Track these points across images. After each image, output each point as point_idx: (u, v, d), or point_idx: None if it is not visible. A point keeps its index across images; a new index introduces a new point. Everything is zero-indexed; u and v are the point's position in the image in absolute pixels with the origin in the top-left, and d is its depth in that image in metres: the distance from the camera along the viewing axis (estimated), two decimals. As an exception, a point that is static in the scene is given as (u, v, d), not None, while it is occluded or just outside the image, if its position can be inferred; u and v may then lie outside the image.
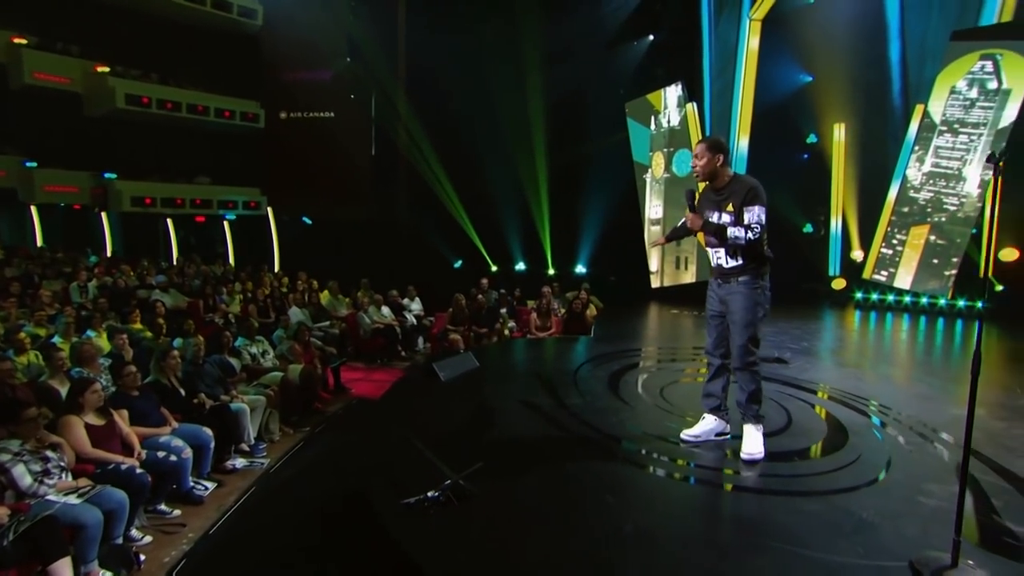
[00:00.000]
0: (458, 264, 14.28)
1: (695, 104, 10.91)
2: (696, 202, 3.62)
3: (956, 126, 9.73)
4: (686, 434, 3.73)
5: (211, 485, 4.90)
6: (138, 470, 4.13)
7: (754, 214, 3.29)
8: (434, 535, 2.49)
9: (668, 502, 2.95)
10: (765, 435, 3.46)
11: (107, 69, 14.26)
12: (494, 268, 13.65)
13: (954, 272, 9.73)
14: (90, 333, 6.80)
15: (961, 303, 9.79)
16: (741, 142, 11.48)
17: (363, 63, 16.11)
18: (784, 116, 12.58)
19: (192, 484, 4.72)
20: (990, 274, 3.19)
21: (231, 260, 15.99)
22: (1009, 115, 9.32)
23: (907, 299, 10.30)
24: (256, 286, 11.91)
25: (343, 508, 2.95)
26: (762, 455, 3.39)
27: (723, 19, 12.25)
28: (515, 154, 13.01)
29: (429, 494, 2.55)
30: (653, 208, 11.39)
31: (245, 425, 5.63)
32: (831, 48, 12.36)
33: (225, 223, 16.30)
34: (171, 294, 10.35)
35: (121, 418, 4.50)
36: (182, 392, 5.37)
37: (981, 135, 9.52)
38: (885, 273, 10.46)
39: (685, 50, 12.58)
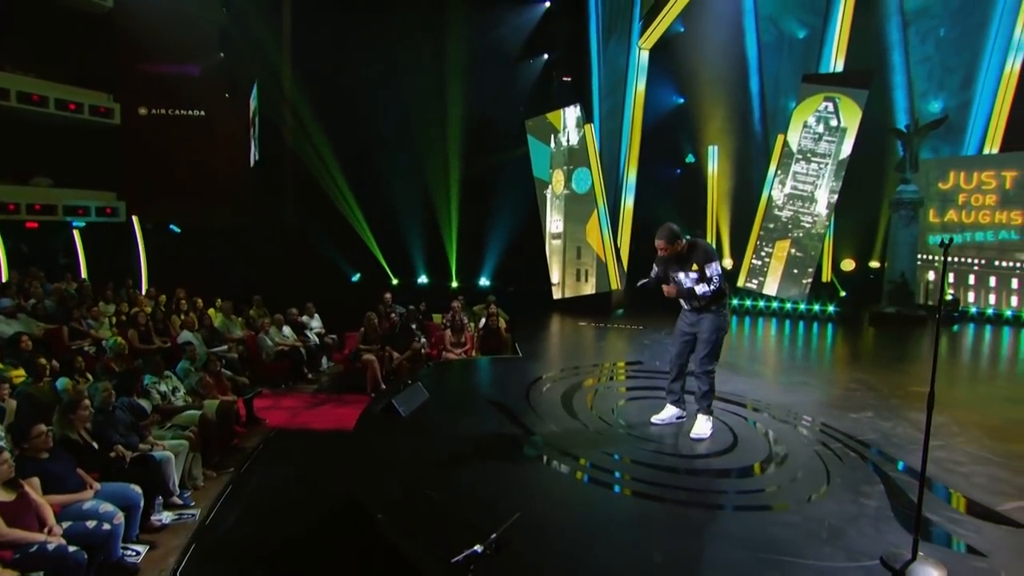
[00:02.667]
0: (356, 278, 13.75)
1: (593, 125, 11.60)
2: (664, 268, 4.57)
3: (809, 155, 11.37)
4: (655, 419, 4.83)
5: (142, 548, 4.38)
6: (71, 548, 3.61)
7: (712, 269, 4.33)
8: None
9: (680, 529, 3.21)
10: (714, 430, 4.57)
11: None
12: (395, 281, 13.35)
13: (809, 281, 11.38)
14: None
15: (816, 307, 11.44)
16: (631, 172, 12.45)
17: (240, 60, 14.92)
18: (665, 135, 13.80)
19: (121, 552, 4.20)
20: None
21: (83, 274, 13.99)
22: (846, 149, 11.10)
23: (775, 305, 11.81)
24: (130, 306, 10.61)
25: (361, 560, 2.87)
26: (707, 437, 4.48)
27: (612, 43, 13.12)
28: (420, 164, 12.86)
29: (477, 548, 2.58)
30: (553, 223, 11.90)
31: (171, 475, 5.08)
32: (704, 75, 13.82)
33: (75, 232, 14.17)
34: (22, 321, 8.87)
35: (32, 488, 3.88)
36: (95, 446, 4.73)
37: (827, 164, 11.22)
38: (756, 281, 11.92)
39: (576, 71, 13.30)
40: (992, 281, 11.82)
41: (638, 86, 12.06)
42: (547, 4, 13.30)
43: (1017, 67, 11.94)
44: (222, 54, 15.25)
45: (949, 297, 11.60)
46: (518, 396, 5.57)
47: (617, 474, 3.91)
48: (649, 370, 6.72)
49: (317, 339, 10.50)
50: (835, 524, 3.23)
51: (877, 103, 11.71)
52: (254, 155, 15.46)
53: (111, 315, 10.18)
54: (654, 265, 4.68)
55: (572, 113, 11.45)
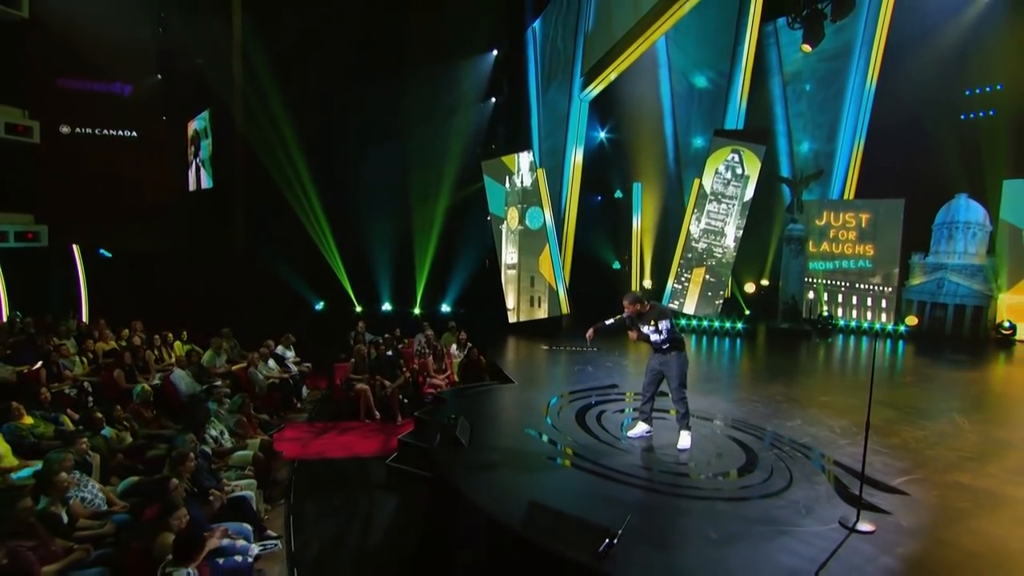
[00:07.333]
0: (320, 306, 14.12)
1: (544, 170, 13.08)
2: (631, 322, 6.17)
3: (720, 197, 13.65)
4: (630, 434, 6.31)
5: (259, 577, 5.14)
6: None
7: (664, 324, 6.01)
8: None
9: (718, 516, 4.61)
10: (693, 438, 6.10)
11: None
12: (358, 308, 13.94)
13: (721, 302, 13.66)
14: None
15: (728, 325, 13.72)
16: (572, 209, 14.12)
17: (181, 82, 14.74)
18: (593, 168, 15.59)
19: (249, 580, 4.94)
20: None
21: (5, 307, 13.16)
22: (748, 192, 13.50)
23: (693, 322, 13.96)
24: (93, 341, 10.49)
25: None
26: (689, 448, 5.97)
27: (552, 87, 14.68)
28: (397, 194, 13.57)
29: (611, 540, 3.83)
30: (508, 255, 13.19)
31: (255, 511, 5.79)
32: (626, 118, 15.83)
33: (-6, 261, 13.22)
34: (-4, 366, 8.71)
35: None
36: (195, 491, 5.37)
37: (734, 205, 13.56)
38: (677, 303, 14.03)
39: (519, 114, 14.75)
40: (854, 300, 14.86)
41: (579, 136, 13.73)
42: (495, 52, 14.62)
43: (863, 142, 15.31)
44: (159, 75, 14.94)
45: (825, 313, 14.44)
46: (541, 421, 6.83)
47: (654, 480, 5.32)
48: (628, 392, 8.24)
49: (296, 369, 10.99)
50: (807, 503, 4.86)
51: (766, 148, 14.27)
52: (202, 178, 15.28)
53: (77, 353, 10.03)
54: (620, 315, 6.26)
55: (526, 157, 12.83)
